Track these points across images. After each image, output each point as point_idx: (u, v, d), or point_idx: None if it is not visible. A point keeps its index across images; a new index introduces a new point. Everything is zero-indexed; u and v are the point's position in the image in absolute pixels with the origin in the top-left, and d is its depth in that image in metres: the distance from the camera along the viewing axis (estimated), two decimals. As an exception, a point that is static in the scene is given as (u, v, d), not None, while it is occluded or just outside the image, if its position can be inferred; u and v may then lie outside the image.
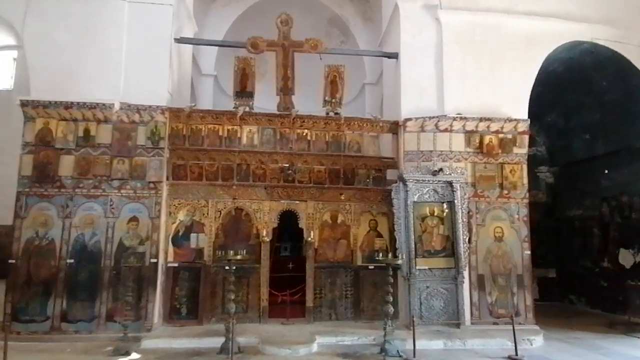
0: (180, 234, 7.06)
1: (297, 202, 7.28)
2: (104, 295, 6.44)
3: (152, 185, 6.80)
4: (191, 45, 8.92)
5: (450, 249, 6.86)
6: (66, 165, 6.70)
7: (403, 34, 7.60)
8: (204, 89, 10.98)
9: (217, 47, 11.00)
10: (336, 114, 7.43)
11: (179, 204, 7.06)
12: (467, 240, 6.89)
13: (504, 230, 7.11)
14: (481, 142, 7.25)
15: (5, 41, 8.72)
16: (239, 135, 7.27)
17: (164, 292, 6.79)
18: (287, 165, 7.27)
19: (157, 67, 7.09)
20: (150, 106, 6.87)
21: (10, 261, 6.39)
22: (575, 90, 9.09)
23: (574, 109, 9.63)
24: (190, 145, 7.18)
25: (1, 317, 6.26)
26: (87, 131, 6.80)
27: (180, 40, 7.62)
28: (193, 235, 7.07)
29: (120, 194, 6.73)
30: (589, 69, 8.42)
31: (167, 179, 7.00)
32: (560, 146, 10.51)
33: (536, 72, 7.46)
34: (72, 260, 6.47)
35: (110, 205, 6.68)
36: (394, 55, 7.86)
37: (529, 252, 7.07)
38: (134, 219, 6.68)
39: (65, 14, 6.86)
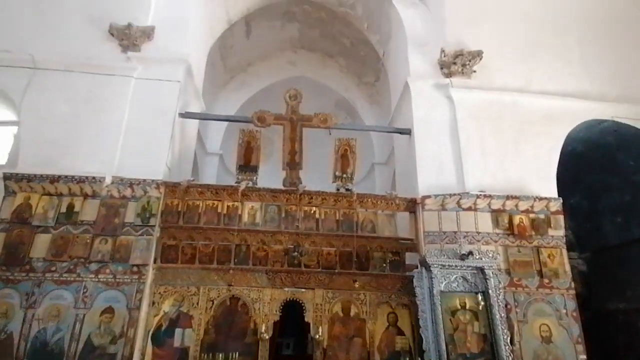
0: (162, 328, 5.90)
1: (303, 290, 6.25)
2: (57, 415, 5.08)
3: (135, 269, 5.86)
4: (197, 124, 8.71)
5: (489, 352, 5.58)
6: (40, 246, 5.85)
7: (415, 110, 7.33)
8: (208, 168, 10.68)
9: (224, 128, 11.00)
10: (347, 190, 6.78)
11: (165, 292, 6.03)
12: (508, 340, 5.68)
13: (551, 329, 5.91)
14: (510, 222, 6.48)
15: (6, 116, 8.55)
16: (239, 212, 6.54)
17: (134, 409, 5.42)
18: (293, 246, 6.40)
19: (157, 140, 6.65)
20: (144, 180, 6.28)
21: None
22: (599, 171, 8.52)
23: (599, 191, 8.97)
24: (185, 222, 6.41)
25: None
26: (70, 207, 6.10)
27: (185, 115, 7.35)
28: (178, 331, 5.89)
29: (97, 280, 5.76)
30: (613, 148, 7.98)
31: (155, 261, 6.10)
32: (588, 230, 9.60)
33: (560, 149, 7.01)
34: (27, 363, 5.26)
35: (83, 293, 5.65)
36: (407, 131, 7.51)
37: (585, 357, 5.78)
38: (108, 309, 5.60)
39: (68, 85, 6.66)
